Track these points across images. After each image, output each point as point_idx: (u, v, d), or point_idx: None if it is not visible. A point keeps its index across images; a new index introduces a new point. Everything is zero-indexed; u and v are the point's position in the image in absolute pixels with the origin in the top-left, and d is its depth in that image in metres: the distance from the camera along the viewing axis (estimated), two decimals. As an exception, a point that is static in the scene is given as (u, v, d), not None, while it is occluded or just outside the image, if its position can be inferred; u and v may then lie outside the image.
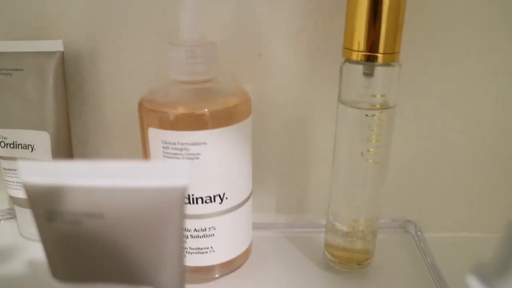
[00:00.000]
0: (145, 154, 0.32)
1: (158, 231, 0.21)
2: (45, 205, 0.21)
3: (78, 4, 0.37)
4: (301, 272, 0.37)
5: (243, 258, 0.36)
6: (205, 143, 0.30)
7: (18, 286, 0.35)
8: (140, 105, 0.32)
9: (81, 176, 0.20)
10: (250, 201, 0.35)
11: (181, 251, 0.22)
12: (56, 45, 0.36)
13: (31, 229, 0.39)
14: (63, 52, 0.37)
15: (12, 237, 0.40)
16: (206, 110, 0.30)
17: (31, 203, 0.21)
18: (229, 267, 0.35)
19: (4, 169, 0.39)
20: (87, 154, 0.41)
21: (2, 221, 0.43)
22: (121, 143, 0.41)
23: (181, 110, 0.31)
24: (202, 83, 0.32)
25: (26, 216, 0.39)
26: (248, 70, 0.37)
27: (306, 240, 0.40)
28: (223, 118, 0.31)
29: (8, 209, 0.44)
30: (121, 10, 0.37)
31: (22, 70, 0.36)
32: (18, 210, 0.40)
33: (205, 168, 0.31)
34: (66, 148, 0.38)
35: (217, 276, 0.35)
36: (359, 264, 0.36)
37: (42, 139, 0.37)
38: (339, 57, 0.32)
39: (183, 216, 0.21)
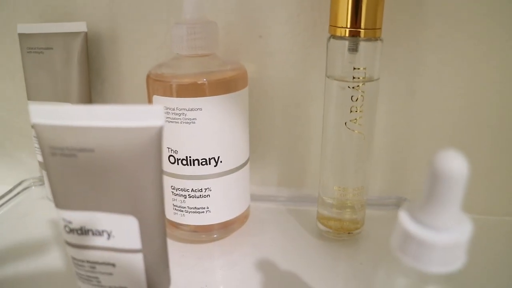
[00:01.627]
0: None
1: (140, 165, 0.25)
2: (49, 141, 0.26)
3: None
4: (294, 239, 0.40)
5: (239, 222, 0.41)
6: (200, 109, 0.35)
7: (43, 245, 0.41)
8: (148, 77, 0.37)
9: (77, 118, 0.25)
10: (246, 168, 0.39)
11: (160, 186, 0.26)
12: (80, 27, 0.42)
13: None
14: (86, 33, 0.42)
15: (41, 201, 0.47)
16: (203, 79, 0.35)
17: (39, 141, 0.26)
18: (226, 229, 0.40)
19: (34, 137, 0.45)
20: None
21: (33, 187, 0.50)
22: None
23: (179, 79, 0.35)
24: (202, 57, 0.37)
25: None
26: (250, 50, 0.42)
27: (303, 213, 0.44)
28: (218, 87, 0.35)
29: (40, 176, 0.50)
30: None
31: (52, 48, 0.42)
32: (46, 175, 0.46)
33: (201, 132, 0.35)
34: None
35: (215, 236, 0.40)
36: (349, 233, 0.40)
37: None
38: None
39: (161, 153, 0.26)
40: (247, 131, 0.39)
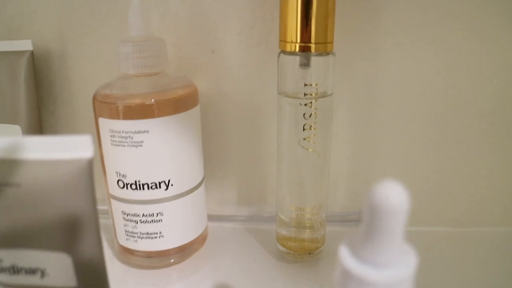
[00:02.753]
0: (99, 143, 0.36)
1: (70, 198, 0.24)
2: (-29, 176, 0.24)
3: (48, 6, 0.41)
4: (254, 261, 0.39)
5: (198, 244, 0.39)
6: (147, 131, 0.33)
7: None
8: (94, 98, 0.35)
9: (1, 151, 0.24)
10: (201, 189, 0.38)
11: (95, 220, 0.25)
12: (25, 45, 0.41)
13: None
14: (32, 51, 0.41)
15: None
16: (151, 100, 0.34)
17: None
18: (183, 252, 0.38)
19: None
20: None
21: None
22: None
23: (126, 100, 0.34)
24: (150, 76, 0.35)
25: None
26: (202, 66, 0.41)
27: (264, 232, 0.43)
28: (167, 107, 0.34)
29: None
30: (87, 9, 0.41)
31: None
32: None
33: (149, 155, 0.34)
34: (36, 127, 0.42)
35: (172, 261, 0.38)
36: (309, 253, 0.39)
37: (14, 132, 0.41)
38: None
39: (92, 185, 0.24)
40: (200, 150, 0.38)
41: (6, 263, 0.25)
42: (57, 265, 0.25)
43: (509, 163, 0.41)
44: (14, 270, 0.26)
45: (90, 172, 0.24)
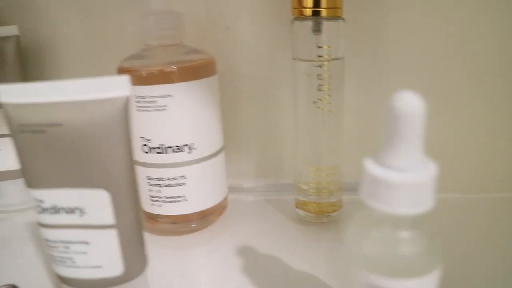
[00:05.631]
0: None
1: (108, 136, 0.26)
2: (18, 119, 0.26)
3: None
4: (274, 226, 0.41)
5: (218, 212, 0.41)
6: (170, 95, 0.35)
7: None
8: (119, 69, 0.37)
9: (44, 94, 0.26)
10: (221, 156, 0.40)
11: (130, 157, 0.27)
12: (12, 30, 0.43)
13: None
14: (18, 36, 0.43)
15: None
16: (172, 66, 0.36)
17: (8, 120, 0.26)
18: (204, 219, 0.40)
19: None
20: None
21: None
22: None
23: (149, 68, 0.36)
24: (170, 46, 0.37)
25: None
26: (217, 42, 0.43)
27: (282, 202, 0.44)
28: (187, 74, 0.36)
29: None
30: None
31: None
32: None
33: (172, 118, 0.36)
34: None
35: (194, 226, 0.39)
36: (328, 216, 0.40)
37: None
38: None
39: (128, 124, 0.26)
40: (219, 118, 0.39)
41: (47, 204, 0.27)
42: (96, 203, 0.27)
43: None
44: (54, 210, 0.27)
45: (126, 110, 0.26)
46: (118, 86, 0.26)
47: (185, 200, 0.38)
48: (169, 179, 0.37)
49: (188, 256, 0.37)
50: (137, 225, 0.28)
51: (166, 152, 0.37)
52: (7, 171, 0.44)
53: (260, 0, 0.42)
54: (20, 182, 0.45)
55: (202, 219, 0.40)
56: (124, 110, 0.26)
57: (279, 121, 0.45)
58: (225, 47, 0.43)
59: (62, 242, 0.28)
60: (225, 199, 0.42)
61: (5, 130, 0.42)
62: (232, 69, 0.43)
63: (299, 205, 0.41)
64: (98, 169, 0.26)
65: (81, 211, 0.27)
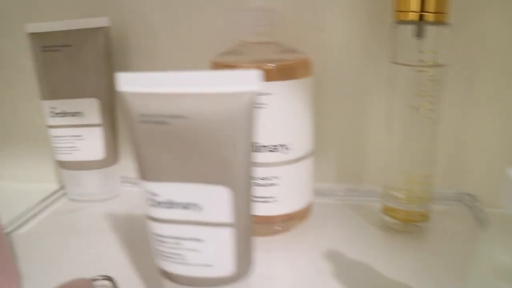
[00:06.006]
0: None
1: (233, 131, 0.25)
2: (139, 109, 0.25)
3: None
4: (358, 231, 0.39)
5: (302, 215, 0.40)
6: (269, 93, 0.34)
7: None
8: (214, 63, 0.37)
9: (167, 84, 0.25)
10: (311, 158, 0.39)
11: (250, 155, 0.26)
12: (102, 22, 0.43)
13: (79, 189, 0.45)
14: (109, 27, 0.43)
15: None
16: (270, 64, 0.35)
17: (127, 109, 0.26)
18: (289, 221, 0.39)
19: (54, 136, 0.45)
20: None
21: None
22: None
23: (248, 64, 0.35)
24: (266, 44, 0.37)
25: (74, 178, 0.45)
26: (309, 42, 0.42)
27: (363, 207, 0.43)
28: (285, 73, 0.35)
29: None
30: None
31: (70, 46, 0.42)
32: (66, 174, 0.46)
33: (270, 117, 0.35)
34: (112, 114, 0.44)
35: (278, 228, 0.38)
36: (415, 225, 0.39)
37: (91, 105, 0.43)
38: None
39: (254, 118, 0.25)
40: (313, 120, 0.38)
41: (163, 198, 0.26)
42: (215, 199, 0.26)
43: None
44: (170, 204, 0.26)
45: (254, 106, 0.25)
46: (247, 80, 0.25)
47: (276, 201, 0.37)
48: (262, 179, 0.36)
49: (274, 258, 0.36)
50: (251, 226, 0.27)
51: (260, 151, 0.36)
52: (88, 161, 0.44)
53: (355, 1, 0.40)
54: (100, 173, 0.45)
55: (287, 221, 0.39)
56: (251, 106, 0.25)
57: (368, 125, 0.44)
58: (317, 48, 0.42)
59: (173, 237, 0.27)
60: (311, 203, 0.41)
61: (89, 120, 0.42)
62: (323, 71, 0.42)
63: (387, 211, 0.40)
64: (220, 165, 0.25)
65: (198, 207, 0.26)
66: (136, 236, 0.39)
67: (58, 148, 0.44)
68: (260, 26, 0.36)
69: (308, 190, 0.40)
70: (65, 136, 0.43)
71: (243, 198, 0.26)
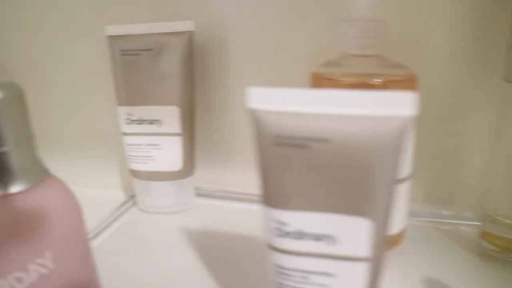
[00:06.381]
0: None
1: (382, 160, 0.22)
2: (274, 129, 0.23)
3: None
4: (454, 258, 0.37)
5: (395, 239, 0.37)
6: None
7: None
8: (315, 75, 0.34)
9: (308, 103, 0.23)
10: (410, 180, 0.36)
11: (394, 184, 0.23)
12: (186, 26, 0.40)
13: (151, 200, 0.43)
14: (192, 32, 0.40)
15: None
16: (377, 80, 0.32)
17: (259, 128, 0.23)
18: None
19: (129, 144, 0.42)
20: (209, 131, 0.46)
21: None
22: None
23: (350, 78, 0.33)
24: (370, 57, 0.34)
25: (147, 188, 0.43)
26: (406, 54, 0.39)
27: (454, 231, 0.41)
28: (393, 89, 0.33)
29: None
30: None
31: (151, 50, 0.40)
32: (138, 183, 0.44)
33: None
34: (191, 123, 0.42)
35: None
36: (518, 254, 0.36)
37: (171, 113, 0.40)
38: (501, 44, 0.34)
39: (402, 147, 0.23)
40: (414, 140, 0.36)
41: (292, 227, 0.24)
42: (352, 231, 0.23)
43: None
44: (300, 235, 0.24)
45: (406, 132, 0.22)
46: (401, 103, 0.22)
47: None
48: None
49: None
50: (385, 259, 0.25)
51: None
52: (163, 172, 0.42)
53: (458, 13, 0.38)
54: (175, 184, 0.42)
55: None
56: (402, 131, 0.22)
57: (466, 146, 0.41)
58: (412, 62, 0.39)
59: (300, 271, 0.24)
60: (405, 229, 0.38)
61: (168, 129, 0.40)
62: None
63: (485, 237, 0.37)
64: (363, 195, 0.23)
65: (332, 239, 0.24)
66: (215, 253, 0.37)
67: (132, 156, 0.42)
68: (366, 38, 0.34)
69: (405, 213, 0.37)
70: (141, 145, 0.41)
71: (382, 231, 0.24)
